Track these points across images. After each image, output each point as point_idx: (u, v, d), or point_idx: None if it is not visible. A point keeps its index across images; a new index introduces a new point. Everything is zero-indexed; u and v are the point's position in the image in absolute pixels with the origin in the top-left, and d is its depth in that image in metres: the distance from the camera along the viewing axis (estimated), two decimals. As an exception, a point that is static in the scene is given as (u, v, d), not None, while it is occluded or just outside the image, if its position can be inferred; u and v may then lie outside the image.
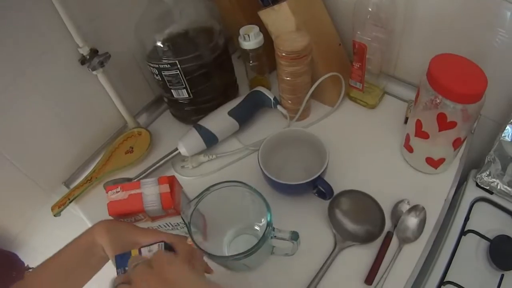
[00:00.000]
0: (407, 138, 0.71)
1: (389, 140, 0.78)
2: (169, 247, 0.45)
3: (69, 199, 0.76)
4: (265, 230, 0.55)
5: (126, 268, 0.42)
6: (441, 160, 0.68)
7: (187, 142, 0.78)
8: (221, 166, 0.79)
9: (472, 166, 0.77)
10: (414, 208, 0.67)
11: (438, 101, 0.59)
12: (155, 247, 0.43)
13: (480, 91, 0.57)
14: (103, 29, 0.74)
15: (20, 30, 0.62)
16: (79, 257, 0.52)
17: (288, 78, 0.75)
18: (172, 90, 0.78)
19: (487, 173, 0.72)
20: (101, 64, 0.72)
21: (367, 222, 0.67)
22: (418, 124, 0.66)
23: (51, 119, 0.73)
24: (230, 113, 0.79)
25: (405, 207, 0.68)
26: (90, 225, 0.71)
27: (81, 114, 0.78)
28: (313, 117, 0.84)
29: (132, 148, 0.83)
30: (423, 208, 0.67)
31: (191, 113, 0.83)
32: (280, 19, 0.75)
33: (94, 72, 0.73)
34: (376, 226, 0.66)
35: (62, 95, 0.73)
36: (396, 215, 0.68)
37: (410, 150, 0.71)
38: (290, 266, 0.65)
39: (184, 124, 0.86)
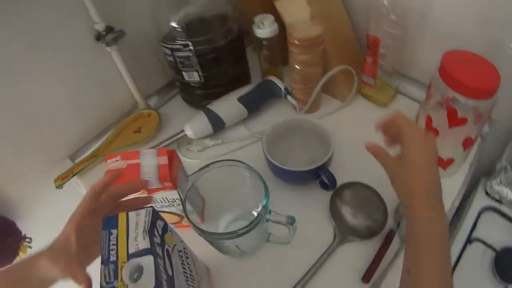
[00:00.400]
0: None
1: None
2: (156, 214, 0.44)
3: (72, 173, 0.76)
4: (260, 211, 0.54)
5: (112, 230, 0.41)
6: (450, 161, 0.66)
7: (194, 124, 0.78)
8: (226, 152, 0.78)
9: (482, 174, 0.75)
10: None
11: (449, 96, 0.57)
12: (143, 212, 0.43)
13: (493, 87, 0.55)
14: (119, 7, 0.75)
15: (39, 1, 0.64)
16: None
17: (299, 67, 0.74)
18: (183, 72, 0.78)
19: (498, 181, 0.69)
20: (115, 40, 0.73)
21: (369, 218, 0.65)
22: (428, 120, 0.64)
23: (63, 91, 0.74)
24: (240, 99, 0.79)
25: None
26: None
27: (93, 90, 0.79)
28: (323, 111, 0.83)
29: (140, 128, 0.83)
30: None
31: (201, 97, 0.83)
32: (295, 9, 0.74)
33: (108, 49, 0.74)
34: (378, 222, 0.64)
35: (76, 69, 0.74)
36: (400, 213, 0.65)
37: (419, 148, 0.69)
38: (286, 256, 0.64)
39: (194, 108, 0.86)
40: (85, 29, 0.71)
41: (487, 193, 0.71)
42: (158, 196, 0.61)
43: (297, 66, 0.74)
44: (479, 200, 0.71)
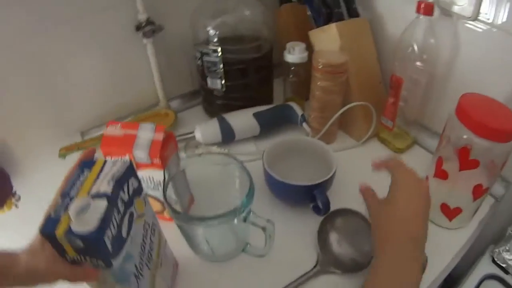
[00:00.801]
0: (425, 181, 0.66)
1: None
2: (132, 171, 0.43)
3: (78, 148, 0.78)
4: (238, 206, 0.52)
5: (85, 170, 0.41)
6: (458, 211, 0.61)
7: (205, 129, 0.78)
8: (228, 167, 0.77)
9: (492, 241, 0.68)
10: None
11: (464, 136, 0.54)
12: (120, 162, 0.42)
13: (509, 130, 0.52)
14: (164, 3, 0.80)
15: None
16: None
17: (319, 94, 0.74)
18: (208, 78, 0.80)
19: (506, 248, 0.63)
20: (153, 33, 0.77)
21: (357, 250, 0.60)
22: (439, 162, 0.60)
23: (93, 71, 0.78)
24: (255, 115, 0.79)
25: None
26: None
27: (121, 77, 0.83)
28: (337, 145, 0.81)
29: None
30: (426, 257, 0.59)
31: (221, 108, 0.84)
32: (326, 40, 0.76)
33: (145, 41, 0.78)
34: (365, 257, 0.59)
35: (110, 53, 0.79)
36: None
37: (426, 194, 0.65)
38: (259, 271, 0.59)
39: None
40: (127, 17, 0.76)
41: (493, 260, 0.64)
42: (145, 174, 0.60)
43: (317, 92, 0.75)
44: (483, 266, 0.65)
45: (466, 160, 0.55)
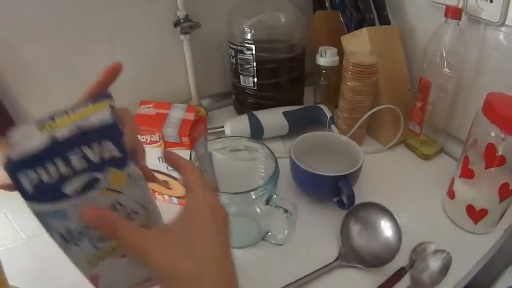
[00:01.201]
0: (451, 183, 0.65)
1: (432, 192, 0.71)
2: (116, 132, 0.35)
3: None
4: (260, 187, 0.53)
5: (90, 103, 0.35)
6: (483, 213, 0.60)
7: (235, 124, 0.81)
8: (253, 158, 0.78)
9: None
10: (440, 252, 0.58)
11: (491, 132, 0.54)
12: (106, 117, 0.33)
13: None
14: (202, 2, 0.84)
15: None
16: None
17: (348, 94, 0.75)
18: (240, 76, 0.83)
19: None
20: (191, 29, 0.81)
21: (379, 246, 0.59)
22: (465, 161, 0.60)
23: (129, 62, 0.81)
24: (285, 114, 0.81)
25: (430, 247, 0.59)
26: None
27: (156, 70, 0.87)
28: (363, 149, 0.80)
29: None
30: (449, 255, 0.57)
31: (252, 106, 0.86)
32: (357, 44, 0.78)
33: (182, 37, 0.83)
34: (388, 252, 0.58)
35: (148, 45, 0.83)
36: (418, 252, 0.59)
37: (452, 196, 0.64)
38: (279, 260, 0.59)
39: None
40: (167, 13, 0.81)
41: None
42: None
43: (346, 93, 0.76)
44: (506, 279, 0.62)
45: (492, 157, 0.55)
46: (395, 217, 0.60)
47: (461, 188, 0.62)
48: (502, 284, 0.63)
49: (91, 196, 0.34)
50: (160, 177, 0.65)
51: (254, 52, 0.79)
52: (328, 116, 0.82)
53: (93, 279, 0.39)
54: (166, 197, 0.68)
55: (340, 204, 0.65)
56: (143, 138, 0.61)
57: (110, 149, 0.34)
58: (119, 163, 0.35)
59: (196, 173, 0.38)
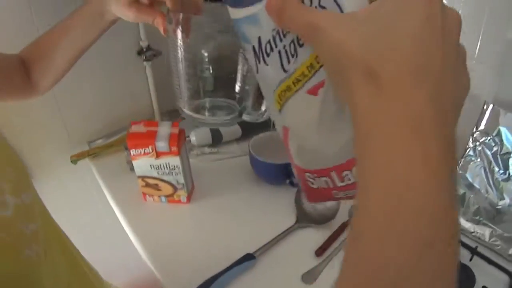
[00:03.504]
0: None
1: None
2: None
3: (88, 154, 0.94)
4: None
5: None
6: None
7: (198, 133, 0.98)
8: (220, 158, 0.97)
9: None
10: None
11: None
12: None
13: None
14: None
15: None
16: (84, 19, 0.64)
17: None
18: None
19: None
20: (153, 57, 0.97)
21: (325, 208, 0.81)
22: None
23: (95, 87, 0.96)
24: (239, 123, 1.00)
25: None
26: (100, 182, 0.90)
27: (121, 92, 1.01)
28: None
29: (152, 133, 1.03)
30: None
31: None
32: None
33: (145, 63, 0.98)
34: (332, 211, 0.80)
35: (113, 71, 0.97)
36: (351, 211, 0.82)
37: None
38: (252, 224, 0.80)
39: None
40: (130, 43, 0.96)
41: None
42: (163, 161, 0.78)
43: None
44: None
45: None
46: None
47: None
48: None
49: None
50: (151, 181, 0.81)
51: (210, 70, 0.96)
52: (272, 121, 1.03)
53: (285, 132, 0.36)
54: (156, 197, 0.83)
55: (292, 184, 0.86)
56: (138, 151, 0.76)
57: None
58: None
59: None
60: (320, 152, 0.34)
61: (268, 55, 0.33)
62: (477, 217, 0.79)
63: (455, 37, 0.25)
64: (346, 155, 0.32)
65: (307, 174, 0.37)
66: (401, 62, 0.24)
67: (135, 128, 0.77)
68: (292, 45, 0.31)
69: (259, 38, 0.33)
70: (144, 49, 0.96)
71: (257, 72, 0.35)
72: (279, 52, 0.32)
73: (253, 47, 0.34)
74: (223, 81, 0.66)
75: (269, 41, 0.32)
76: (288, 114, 0.34)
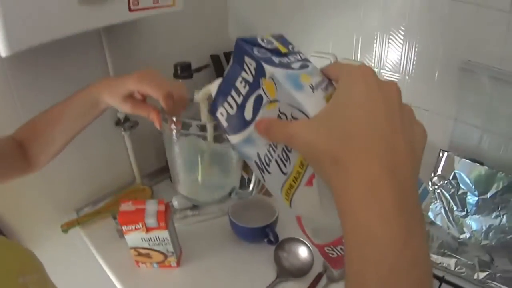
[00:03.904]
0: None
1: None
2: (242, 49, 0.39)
3: (78, 222, 1.00)
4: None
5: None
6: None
7: (180, 198, 1.05)
8: (202, 220, 1.05)
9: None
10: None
11: None
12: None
13: None
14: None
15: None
16: (79, 106, 0.67)
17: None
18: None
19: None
20: (130, 128, 1.04)
21: (301, 263, 0.91)
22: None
23: (78, 156, 1.01)
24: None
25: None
26: (92, 250, 0.95)
27: (102, 161, 1.07)
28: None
29: (136, 198, 1.09)
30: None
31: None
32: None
33: (123, 133, 1.04)
34: (308, 265, 0.90)
35: (93, 141, 1.02)
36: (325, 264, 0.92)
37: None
38: (237, 276, 0.88)
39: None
40: (109, 115, 1.02)
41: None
42: (153, 234, 0.85)
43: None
44: None
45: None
46: (307, 243, 0.93)
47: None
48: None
49: (261, 115, 0.39)
50: (143, 251, 0.88)
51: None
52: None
53: (298, 220, 0.42)
54: (148, 264, 0.90)
55: (270, 242, 0.95)
56: (129, 227, 0.83)
57: (250, 63, 0.38)
58: (260, 71, 0.37)
59: (339, 64, 0.36)
60: (330, 227, 0.39)
61: (268, 165, 0.39)
62: (442, 250, 0.91)
63: (396, 100, 0.31)
64: None
65: (326, 248, 0.42)
66: (356, 144, 0.29)
67: (124, 207, 0.84)
68: (283, 152, 0.37)
69: (258, 154, 0.40)
70: (122, 120, 1.03)
71: (264, 181, 0.41)
72: (276, 160, 0.38)
73: (255, 162, 0.40)
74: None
75: (266, 154, 0.39)
76: (297, 206, 0.39)
